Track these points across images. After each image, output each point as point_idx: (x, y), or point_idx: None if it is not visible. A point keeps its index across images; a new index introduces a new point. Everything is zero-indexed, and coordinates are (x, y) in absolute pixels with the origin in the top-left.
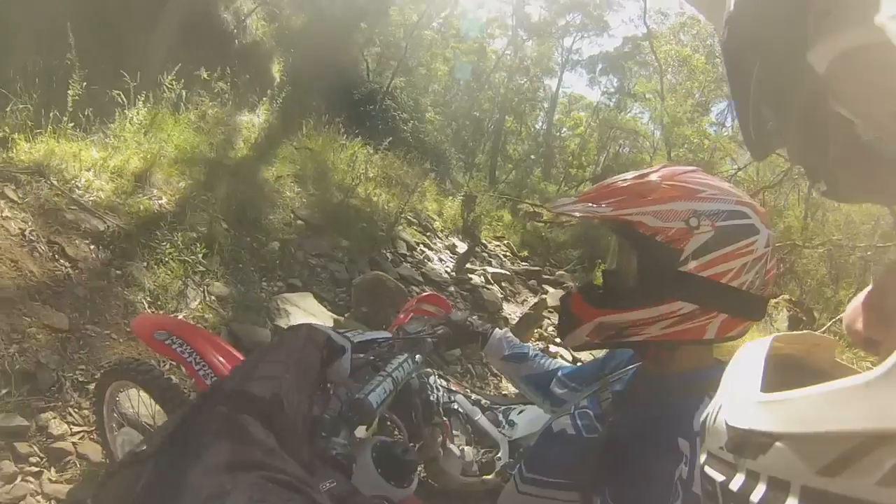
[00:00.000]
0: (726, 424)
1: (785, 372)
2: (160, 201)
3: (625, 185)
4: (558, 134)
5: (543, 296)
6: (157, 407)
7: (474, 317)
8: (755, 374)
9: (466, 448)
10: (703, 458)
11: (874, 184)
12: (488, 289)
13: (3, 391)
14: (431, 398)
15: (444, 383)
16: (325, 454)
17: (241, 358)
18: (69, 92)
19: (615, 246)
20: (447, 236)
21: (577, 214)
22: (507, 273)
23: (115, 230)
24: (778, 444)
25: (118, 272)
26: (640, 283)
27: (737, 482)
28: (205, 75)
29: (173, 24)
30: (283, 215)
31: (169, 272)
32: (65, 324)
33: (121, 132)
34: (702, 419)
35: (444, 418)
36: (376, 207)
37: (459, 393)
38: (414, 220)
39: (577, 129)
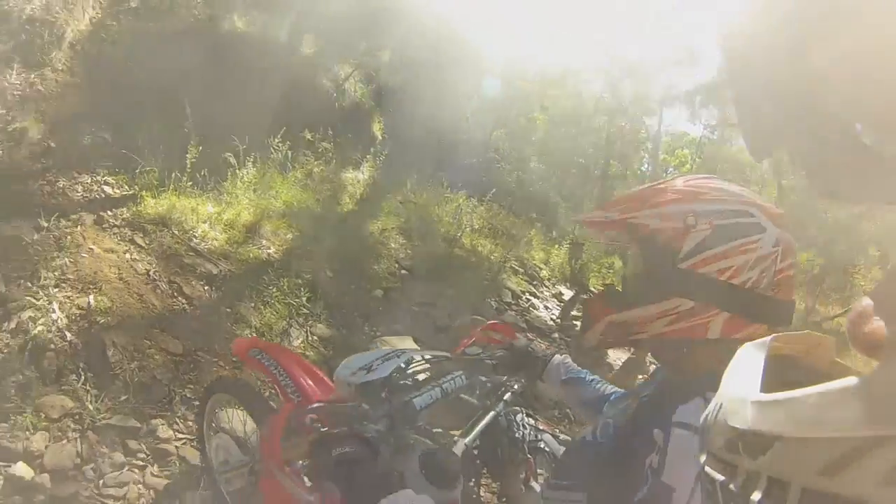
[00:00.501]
0: (726, 424)
1: (785, 372)
2: (269, 250)
3: (635, 192)
4: (665, 174)
5: None
6: (249, 419)
7: (536, 343)
8: (755, 374)
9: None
10: (703, 458)
11: (874, 184)
12: None
13: (123, 397)
14: (517, 435)
15: (532, 422)
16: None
17: (322, 376)
18: (187, 155)
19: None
20: (554, 284)
21: (590, 220)
22: None
23: (227, 274)
24: (778, 444)
25: (228, 310)
26: (643, 282)
27: (737, 482)
28: (309, 136)
29: (277, 92)
30: (388, 265)
31: (274, 313)
32: (179, 349)
33: (233, 189)
34: (702, 419)
35: (529, 456)
36: (481, 257)
37: (548, 432)
38: (520, 269)
39: (683, 167)
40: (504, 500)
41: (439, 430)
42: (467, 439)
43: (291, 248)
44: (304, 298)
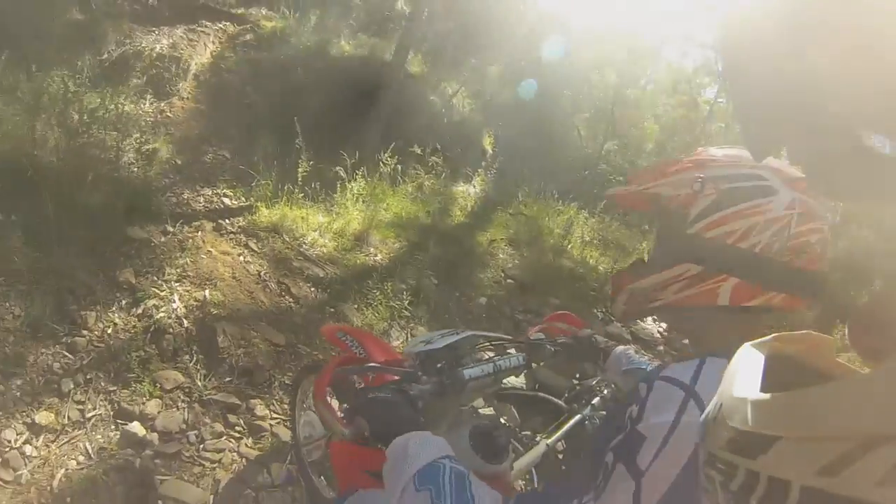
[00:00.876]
0: (726, 424)
1: (785, 372)
2: (375, 257)
3: (654, 164)
4: None
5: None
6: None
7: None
8: (755, 374)
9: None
10: (703, 457)
11: (874, 184)
12: None
13: (227, 378)
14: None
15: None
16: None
17: (399, 358)
18: (299, 170)
19: None
20: None
21: (615, 194)
22: None
23: (333, 277)
24: (778, 444)
25: (332, 309)
26: (657, 250)
27: (737, 482)
28: (418, 151)
29: (386, 109)
30: (494, 274)
31: (376, 314)
32: (282, 341)
33: (343, 201)
34: (702, 419)
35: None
36: (588, 268)
37: None
38: None
39: None
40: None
41: (527, 432)
42: (550, 440)
43: (398, 255)
44: (407, 302)
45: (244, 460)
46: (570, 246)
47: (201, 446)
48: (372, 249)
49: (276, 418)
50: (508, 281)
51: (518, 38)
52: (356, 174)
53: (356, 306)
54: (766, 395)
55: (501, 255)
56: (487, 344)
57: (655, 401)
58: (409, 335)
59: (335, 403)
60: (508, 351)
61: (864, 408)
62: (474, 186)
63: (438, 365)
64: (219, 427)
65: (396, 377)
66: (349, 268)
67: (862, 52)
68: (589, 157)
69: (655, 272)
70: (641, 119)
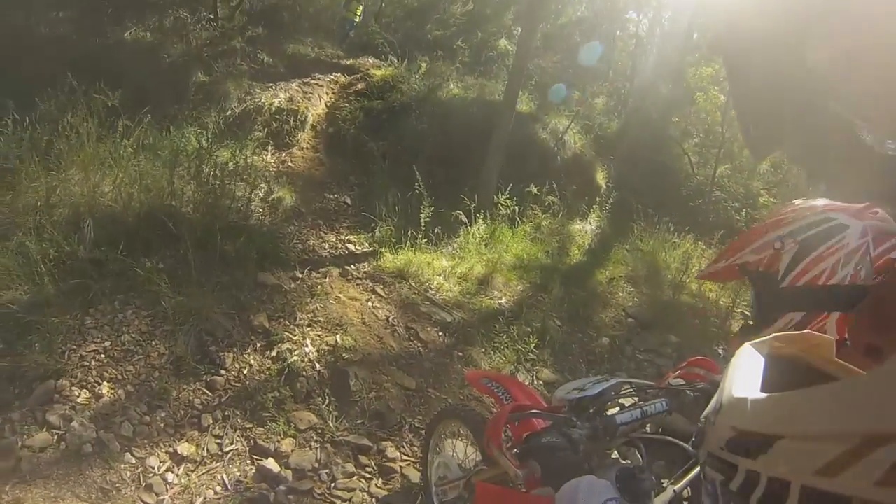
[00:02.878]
0: (726, 424)
1: (785, 372)
2: (500, 301)
3: (737, 238)
4: None
5: None
6: (471, 448)
7: None
8: (755, 374)
9: None
10: (703, 458)
11: (873, 182)
12: None
13: (359, 420)
14: (731, 486)
15: None
16: None
17: (540, 399)
18: (421, 215)
19: None
20: None
21: (707, 274)
22: None
23: (460, 322)
24: (778, 444)
25: (459, 354)
26: (758, 311)
27: (737, 482)
28: (535, 191)
29: (501, 151)
30: (615, 313)
31: (503, 357)
32: (412, 385)
33: (465, 245)
34: (702, 419)
35: None
36: (708, 303)
37: None
38: (747, 314)
39: None
40: None
41: (651, 477)
42: (677, 487)
43: (521, 298)
44: (532, 345)
45: (374, 500)
46: (688, 280)
47: (332, 485)
48: (496, 293)
49: (406, 460)
50: (629, 320)
51: (617, 66)
52: (476, 217)
53: (483, 350)
54: (766, 395)
55: (621, 294)
56: (631, 389)
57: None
58: (534, 378)
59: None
60: (653, 397)
61: (864, 408)
62: (590, 223)
63: (591, 410)
64: (350, 467)
65: (551, 423)
66: (475, 311)
67: (861, 54)
68: (702, 185)
69: (763, 331)
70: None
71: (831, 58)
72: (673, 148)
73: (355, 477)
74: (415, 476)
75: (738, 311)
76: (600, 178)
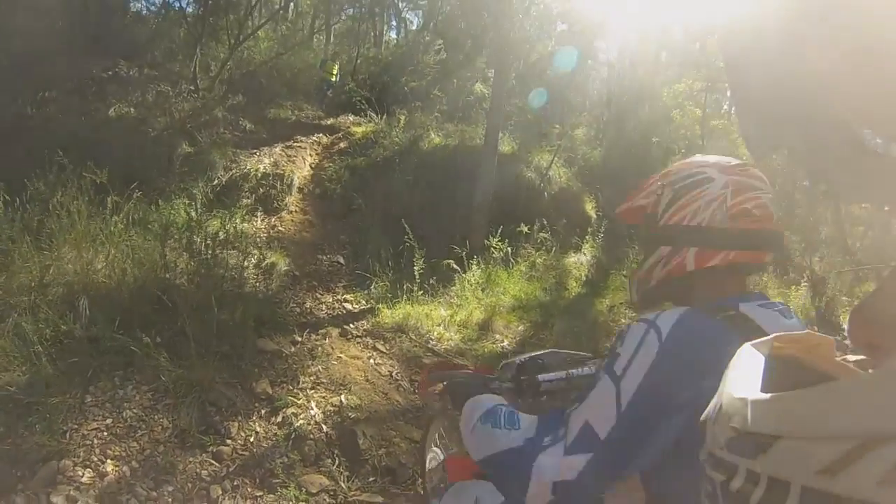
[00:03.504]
0: (726, 424)
1: (785, 372)
2: (502, 343)
3: (640, 183)
4: None
5: None
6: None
7: None
8: (755, 374)
9: None
10: (703, 458)
11: (874, 184)
12: None
13: (371, 479)
14: None
15: None
16: None
17: None
18: (414, 267)
19: None
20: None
21: (618, 212)
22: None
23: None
24: (778, 444)
25: None
26: (643, 246)
27: (737, 482)
28: (525, 229)
29: (488, 195)
30: None
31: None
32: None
33: (461, 292)
34: (702, 419)
35: None
36: None
37: None
38: None
39: None
40: None
41: None
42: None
43: (523, 338)
44: None
45: None
46: None
47: None
48: (497, 336)
49: None
50: None
51: (594, 95)
52: (470, 263)
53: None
54: (766, 395)
55: (623, 321)
56: (569, 359)
57: (629, 332)
58: None
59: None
60: (585, 364)
61: (864, 408)
62: (585, 254)
63: (521, 377)
64: None
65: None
66: (478, 357)
67: (862, 55)
68: None
69: (645, 260)
70: (734, 148)
71: (832, 58)
72: (657, 168)
73: None
74: None
75: None
76: (589, 208)
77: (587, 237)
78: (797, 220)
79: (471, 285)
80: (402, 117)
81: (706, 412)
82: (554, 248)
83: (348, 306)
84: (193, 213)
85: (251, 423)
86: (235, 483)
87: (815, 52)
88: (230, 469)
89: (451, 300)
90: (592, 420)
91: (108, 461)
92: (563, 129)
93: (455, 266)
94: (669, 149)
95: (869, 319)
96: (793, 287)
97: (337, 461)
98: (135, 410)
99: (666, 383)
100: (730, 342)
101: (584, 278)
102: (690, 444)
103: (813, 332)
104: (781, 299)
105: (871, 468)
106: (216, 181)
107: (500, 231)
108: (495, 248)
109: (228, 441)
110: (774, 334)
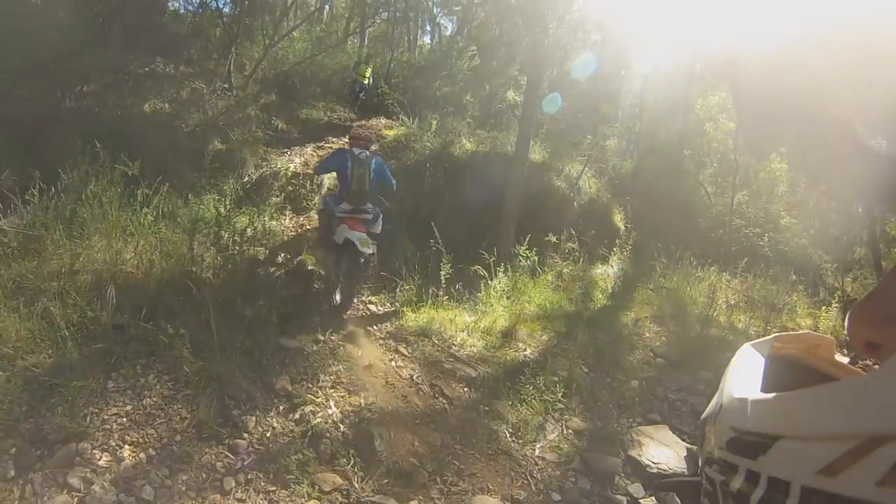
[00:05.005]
0: (726, 424)
1: (785, 372)
2: (525, 352)
3: None
4: None
5: None
6: None
7: None
8: (755, 374)
9: None
10: (703, 458)
11: (874, 187)
12: None
13: (385, 480)
14: None
15: None
16: None
17: None
18: (441, 272)
19: None
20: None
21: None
22: None
23: (485, 376)
24: (778, 444)
25: (486, 408)
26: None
27: (737, 482)
28: (553, 239)
29: (517, 202)
30: (643, 355)
31: (530, 409)
32: (438, 441)
33: (487, 299)
34: (702, 419)
35: None
36: (738, 333)
37: None
38: None
39: None
40: None
41: None
42: None
43: (547, 347)
44: (560, 394)
45: None
46: (715, 313)
47: None
48: (521, 344)
49: None
50: (658, 360)
51: (626, 106)
52: (497, 270)
53: (510, 403)
54: (766, 395)
55: (648, 334)
56: None
57: None
58: (564, 427)
59: None
60: None
61: (864, 408)
62: (612, 266)
63: None
64: None
65: None
66: (500, 365)
67: (862, 56)
68: (721, 214)
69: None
70: (769, 162)
71: (832, 60)
72: (688, 181)
73: None
74: None
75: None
76: (618, 219)
77: (615, 249)
78: (830, 239)
79: (496, 293)
80: (434, 122)
81: (706, 412)
82: (581, 259)
83: (373, 308)
84: (222, 209)
85: (269, 419)
86: (249, 476)
87: (815, 54)
88: (245, 462)
89: (476, 306)
90: None
91: (126, 447)
92: (595, 139)
93: (482, 272)
94: (701, 162)
95: (869, 319)
96: (823, 308)
97: (352, 461)
98: (155, 399)
99: None
100: None
101: (610, 290)
102: None
103: (812, 332)
104: (811, 319)
105: (871, 468)
106: (246, 178)
107: (527, 239)
108: (522, 256)
109: (245, 435)
110: (774, 334)
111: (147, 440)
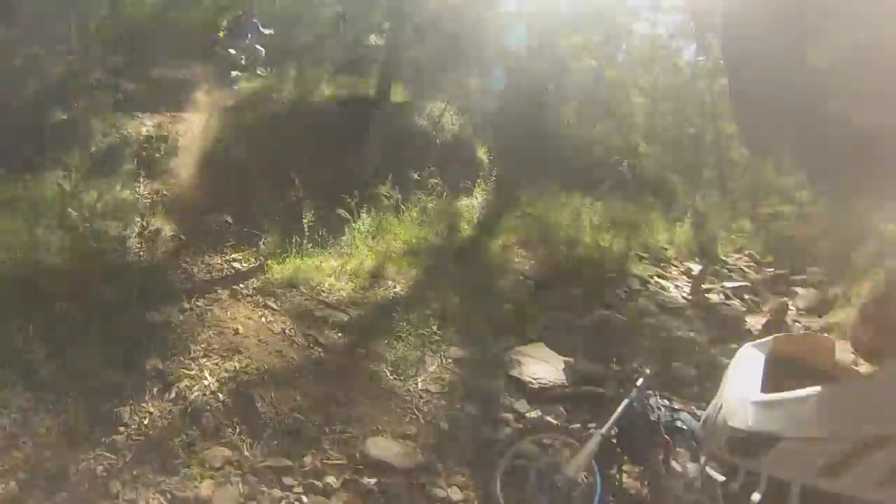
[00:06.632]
0: (726, 425)
1: (785, 372)
2: (395, 290)
3: None
4: None
5: (784, 299)
6: None
7: None
8: (755, 374)
9: (690, 465)
10: (703, 458)
11: (874, 183)
12: (727, 305)
13: (275, 442)
14: (652, 418)
15: (667, 403)
16: None
17: None
18: (304, 220)
19: None
20: (682, 262)
21: None
22: (749, 284)
23: (358, 318)
24: (778, 444)
25: (362, 351)
26: None
27: (737, 482)
28: (416, 177)
29: (378, 143)
30: (513, 279)
31: (407, 345)
32: (321, 393)
33: (352, 242)
34: (702, 419)
35: (667, 437)
36: (603, 252)
37: (684, 410)
38: (645, 255)
39: None
40: (647, 483)
41: (576, 425)
42: (604, 430)
43: (417, 283)
44: (435, 326)
45: None
46: (581, 235)
47: None
48: (390, 283)
49: (332, 465)
50: (528, 282)
51: (489, 45)
52: (360, 212)
53: (386, 342)
54: (766, 396)
55: (516, 259)
56: None
57: None
58: (441, 358)
59: None
60: None
61: (864, 409)
62: (476, 198)
63: None
64: (276, 492)
65: None
66: (372, 306)
67: (862, 53)
68: (584, 144)
69: None
70: (627, 96)
71: (832, 58)
72: (552, 115)
73: (284, 501)
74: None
75: (633, 253)
76: (482, 153)
77: (479, 181)
78: (681, 163)
79: (361, 234)
80: (294, 71)
81: (706, 412)
82: (445, 193)
83: (237, 265)
84: (67, 185)
85: (143, 405)
86: (135, 472)
87: (814, 50)
88: (127, 459)
89: (342, 251)
90: None
91: None
92: (459, 79)
93: (346, 216)
94: (565, 98)
95: (871, 324)
96: (677, 223)
97: (237, 429)
98: (13, 416)
99: None
100: None
101: (476, 221)
102: None
103: (812, 332)
104: (667, 234)
105: (871, 468)
106: (94, 148)
107: (390, 179)
108: (385, 196)
109: (121, 429)
110: (774, 335)
111: (14, 465)
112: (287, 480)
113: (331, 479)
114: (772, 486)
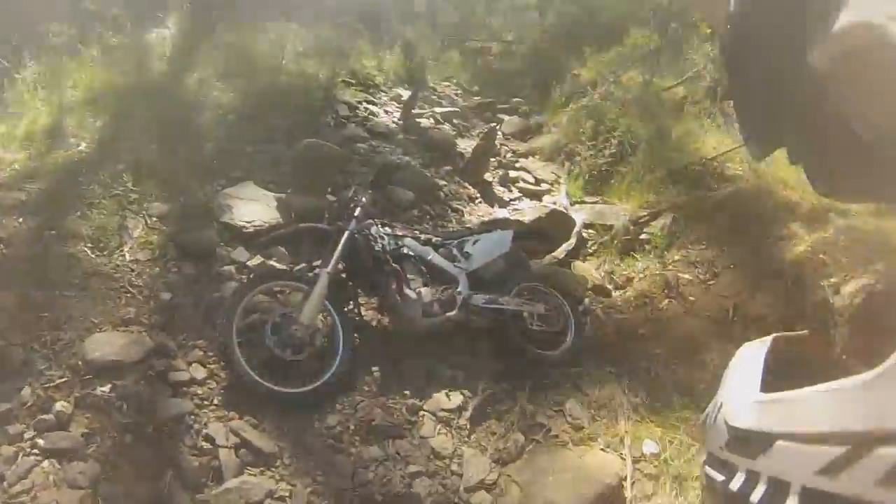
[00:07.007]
0: (726, 424)
1: (785, 372)
2: (78, 147)
3: None
4: None
5: (493, 124)
6: None
7: None
8: (755, 374)
9: (423, 290)
10: (703, 458)
11: (874, 183)
12: (439, 129)
13: None
14: (377, 248)
15: (389, 230)
16: None
17: None
18: None
19: None
20: (391, 88)
21: None
22: (458, 110)
23: (39, 194)
24: (778, 444)
25: (53, 233)
26: None
27: (737, 482)
28: (91, 6)
29: None
30: (213, 115)
31: (104, 212)
32: (13, 301)
33: (18, 98)
34: (702, 419)
35: (396, 265)
36: (309, 79)
37: (408, 236)
38: (352, 81)
39: None
40: (385, 312)
41: (302, 265)
42: (329, 268)
43: (104, 135)
44: (130, 183)
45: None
46: (284, 62)
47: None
48: (72, 140)
49: (58, 391)
50: (229, 117)
51: None
52: (24, 58)
53: (79, 213)
54: (766, 395)
55: (215, 93)
56: None
57: None
58: (145, 217)
59: None
60: None
61: (864, 408)
62: (169, 28)
63: None
64: (5, 448)
65: None
66: (53, 174)
67: (861, 53)
68: None
69: None
70: None
71: (832, 57)
72: None
73: (18, 455)
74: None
75: (340, 80)
76: None
77: (170, 9)
78: None
79: (28, 85)
80: None
81: (706, 412)
82: (128, 25)
83: None
84: None
85: None
86: None
87: (815, 51)
88: None
89: (7, 111)
90: None
91: None
92: None
93: (5, 63)
94: None
95: (868, 325)
96: (387, 50)
97: None
98: None
99: None
100: None
101: (167, 55)
102: None
103: (813, 333)
104: (376, 61)
105: (870, 468)
106: None
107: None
108: (55, 34)
109: None
110: (774, 335)
111: None
112: (12, 429)
113: (60, 406)
114: (772, 486)
